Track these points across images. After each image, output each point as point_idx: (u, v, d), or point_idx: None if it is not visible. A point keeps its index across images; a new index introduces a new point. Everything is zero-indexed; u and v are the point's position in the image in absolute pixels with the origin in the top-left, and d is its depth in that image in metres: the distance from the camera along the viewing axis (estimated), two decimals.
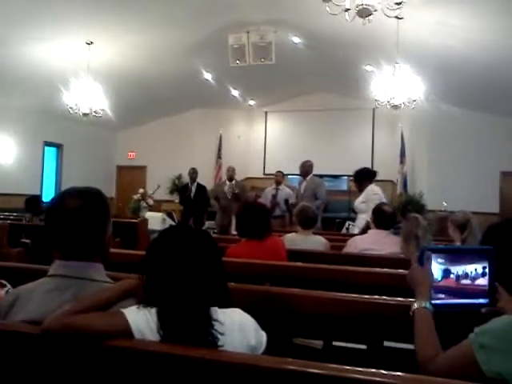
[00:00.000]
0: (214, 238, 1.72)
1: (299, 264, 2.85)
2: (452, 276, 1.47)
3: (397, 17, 4.94)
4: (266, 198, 7.46)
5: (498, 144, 9.27)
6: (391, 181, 10.78)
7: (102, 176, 11.62)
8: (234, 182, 8.08)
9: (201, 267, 1.35)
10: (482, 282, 1.47)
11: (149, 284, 1.36)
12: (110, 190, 11.89)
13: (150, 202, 8.27)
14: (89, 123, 8.88)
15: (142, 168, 12.48)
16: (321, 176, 8.13)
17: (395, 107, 6.86)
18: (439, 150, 9.69)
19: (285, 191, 7.58)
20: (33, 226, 5.12)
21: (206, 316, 1.29)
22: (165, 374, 1.20)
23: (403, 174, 10.26)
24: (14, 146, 9.61)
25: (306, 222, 3.90)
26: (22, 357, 1.30)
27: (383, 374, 1.08)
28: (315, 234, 4.04)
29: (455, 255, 1.50)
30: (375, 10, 4.62)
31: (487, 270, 1.46)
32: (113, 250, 1.75)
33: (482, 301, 1.47)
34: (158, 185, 9.12)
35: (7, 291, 1.65)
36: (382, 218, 3.70)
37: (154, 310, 1.29)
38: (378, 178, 5.81)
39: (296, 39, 7.97)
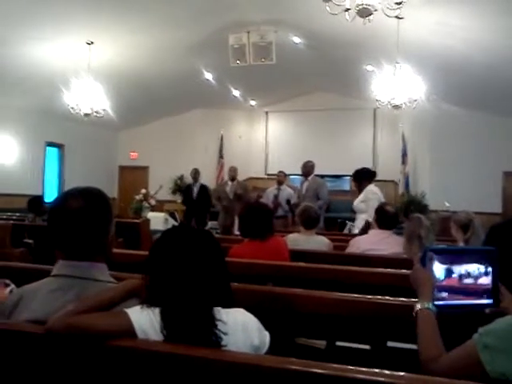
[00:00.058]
0: (217, 238, 1.71)
1: (302, 264, 2.85)
2: (454, 275, 1.47)
3: (397, 16, 4.93)
4: (267, 199, 7.47)
5: (501, 144, 9.26)
6: (393, 181, 10.78)
7: (104, 176, 11.63)
8: (236, 182, 8.09)
9: (204, 267, 1.35)
10: (485, 280, 1.46)
11: (152, 284, 1.36)
12: (112, 191, 11.89)
13: (152, 202, 8.30)
14: (90, 123, 8.89)
15: (144, 168, 12.49)
16: (322, 176, 8.14)
17: (396, 107, 6.86)
18: (441, 150, 9.68)
19: (286, 191, 7.59)
20: (35, 227, 5.12)
21: (209, 316, 1.29)
22: (168, 374, 1.20)
23: (405, 174, 10.25)
24: (15, 147, 9.62)
25: (309, 222, 3.90)
26: (26, 356, 1.31)
27: (387, 374, 1.07)
28: (318, 234, 4.04)
29: (458, 255, 1.50)
30: (375, 10, 4.61)
31: (490, 270, 1.46)
32: (116, 250, 1.76)
33: (484, 301, 1.47)
34: (160, 185, 9.15)
35: (11, 291, 1.66)
36: (385, 218, 3.70)
37: (157, 310, 1.30)
38: (380, 178, 5.83)
39: (296, 39, 7.98)
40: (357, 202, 5.52)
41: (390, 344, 1.84)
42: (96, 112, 7.76)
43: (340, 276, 2.55)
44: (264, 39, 7.53)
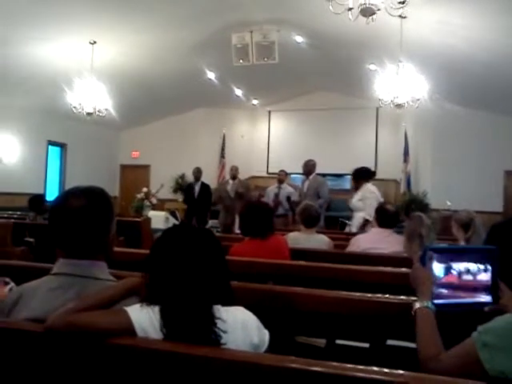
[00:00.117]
0: (218, 236, 1.72)
1: (302, 263, 2.85)
2: (454, 272, 1.47)
3: (400, 16, 4.93)
4: (268, 197, 7.47)
5: (502, 143, 9.25)
6: (395, 180, 10.76)
7: (106, 175, 11.64)
8: (237, 180, 8.09)
9: (204, 266, 1.35)
10: (484, 277, 1.46)
11: (152, 282, 1.36)
12: (113, 189, 11.91)
13: (154, 201, 8.31)
14: (92, 122, 8.90)
15: (146, 167, 12.49)
16: (324, 175, 8.14)
17: (399, 106, 6.86)
18: (443, 149, 9.67)
19: (287, 190, 7.60)
20: (36, 225, 5.13)
21: (208, 314, 1.29)
22: (168, 372, 1.20)
23: (407, 173, 10.24)
24: (17, 146, 9.65)
25: (309, 220, 3.90)
26: (26, 355, 1.31)
27: (386, 372, 1.07)
28: (318, 232, 4.04)
29: (458, 255, 1.50)
30: (378, 9, 4.61)
31: (489, 267, 1.46)
32: (116, 249, 1.76)
33: (483, 300, 1.47)
34: (161, 184, 9.15)
35: (11, 289, 1.66)
36: (385, 217, 3.70)
37: (157, 309, 1.30)
38: (382, 176, 5.84)
39: (299, 38, 7.97)
40: (354, 200, 5.53)
41: (390, 342, 1.84)
42: (98, 111, 7.78)
43: (340, 274, 2.55)
44: (267, 39, 7.53)
